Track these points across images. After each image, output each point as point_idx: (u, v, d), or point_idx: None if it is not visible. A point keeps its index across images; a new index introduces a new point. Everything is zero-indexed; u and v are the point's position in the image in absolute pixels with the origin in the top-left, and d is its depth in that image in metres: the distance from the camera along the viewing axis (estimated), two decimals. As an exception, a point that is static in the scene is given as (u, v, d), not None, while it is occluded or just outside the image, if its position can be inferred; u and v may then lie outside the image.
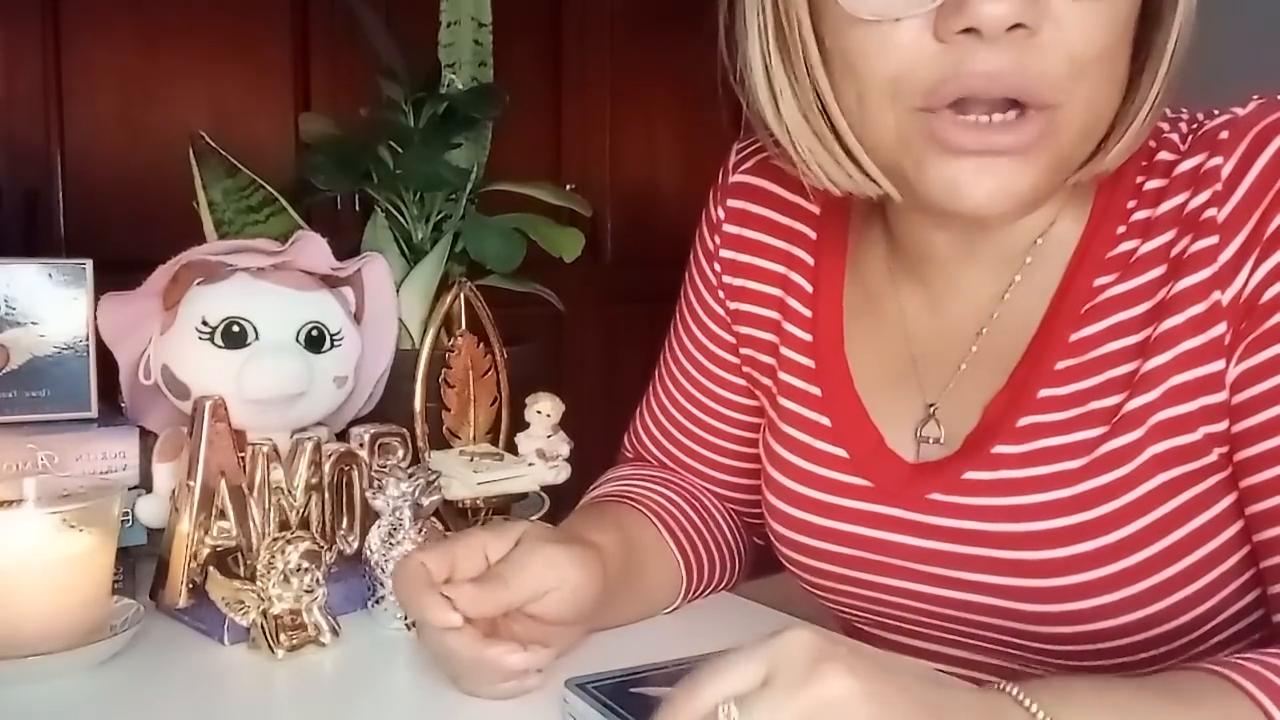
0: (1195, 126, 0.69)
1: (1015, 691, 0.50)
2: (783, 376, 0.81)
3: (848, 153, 0.68)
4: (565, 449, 0.94)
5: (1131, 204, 0.69)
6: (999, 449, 0.69)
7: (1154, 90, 0.65)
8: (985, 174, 0.63)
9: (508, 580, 0.65)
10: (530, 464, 0.93)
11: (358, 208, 1.71)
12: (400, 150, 1.04)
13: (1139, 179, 0.69)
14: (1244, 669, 0.54)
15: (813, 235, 0.82)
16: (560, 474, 0.95)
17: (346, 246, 0.95)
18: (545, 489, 0.96)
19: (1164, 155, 0.69)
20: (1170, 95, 0.65)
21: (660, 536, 0.82)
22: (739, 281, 0.85)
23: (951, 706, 0.48)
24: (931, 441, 0.74)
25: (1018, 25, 0.59)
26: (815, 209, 0.83)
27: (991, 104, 0.62)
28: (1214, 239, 0.64)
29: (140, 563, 0.83)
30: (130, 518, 0.81)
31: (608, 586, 0.71)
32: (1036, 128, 0.62)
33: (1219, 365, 0.64)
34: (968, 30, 0.60)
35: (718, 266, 0.87)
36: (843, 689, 0.45)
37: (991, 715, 0.49)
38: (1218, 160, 0.65)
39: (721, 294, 0.87)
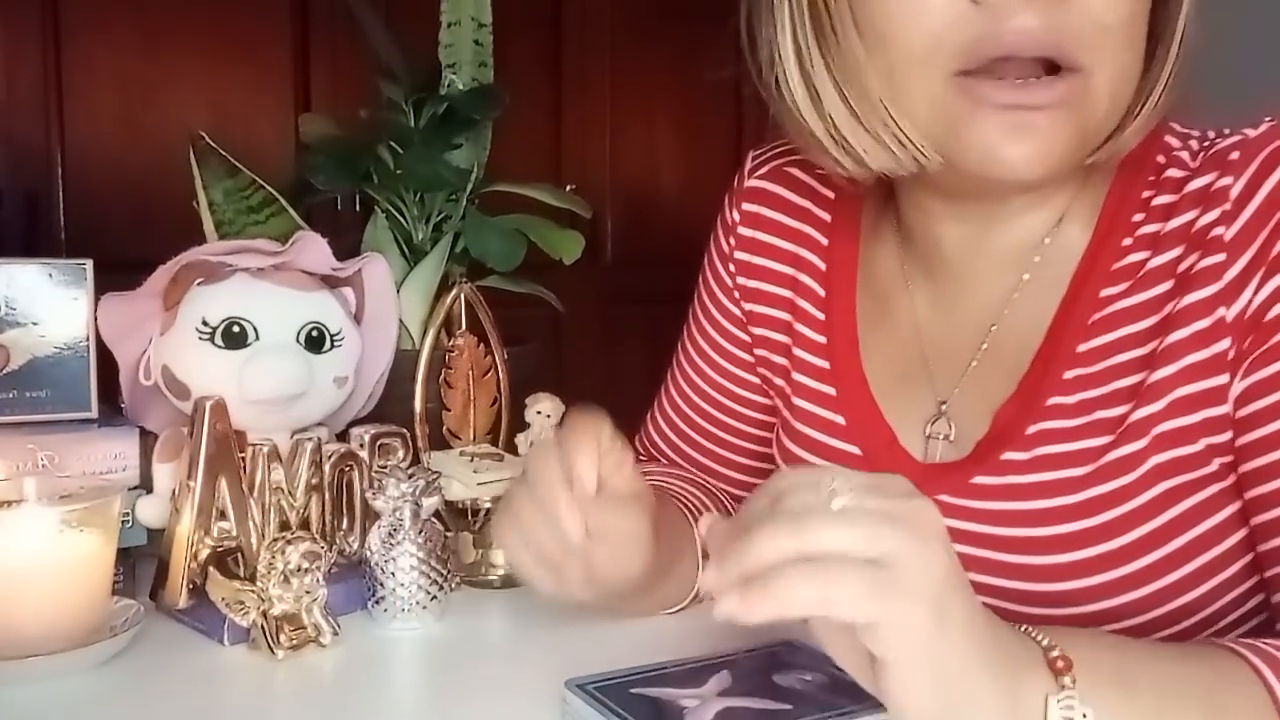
0: (1206, 145, 0.70)
1: (1021, 627, 0.53)
2: (797, 377, 0.83)
3: (885, 126, 0.67)
4: (565, 449, 0.94)
5: (1139, 217, 0.70)
6: (1007, 455, 0.70)
7: (1166, 70, 0.66)
8: (1023, 133, 0.64)
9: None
10: (530, 464, 0.93)
11: (358, 208, 1.72)
12: (400, 150, 1.04)
13: (1146, 194, 0.71)
14: (1247, 644, 0.56)
15: (824, 241, 0.84)
16: (560, 474, 0.95)
17: (346, 247, 0.95)
18: (545, 489, 0.96)
19: (1173, 172, 0.70)
20: (1179, 84, 0.67)
21: (689, 533, 0.82)
22: (753, 283, 0.87)
23: (990, 619, 0.51)
24: (940, 439, 0.75)
25: None
26: (827, 216, 0.84)
27: (1026, 66, 0.63)
28: (1221, 256, 0.65)
29: (140, 563, 0.83)
30: (130, 518, 0.81)
31: (655, 573, 0.71)
32: (1070, 87, 0.63)
33: (1223, 379, 0.65)
34: None
35: (732, 268, 0.88)
36: (932, 513, 0.49)
37: (1020, 641, 0.52)
38: (1228, 180, 0.66)
39: (736, 294, 0.88)
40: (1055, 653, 0.51)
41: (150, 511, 0.81)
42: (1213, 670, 0.55)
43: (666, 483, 0.88)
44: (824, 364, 0.81)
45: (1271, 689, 0.54)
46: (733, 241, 0.88)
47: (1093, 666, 0.51)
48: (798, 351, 0.83)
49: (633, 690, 0.62)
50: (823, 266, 0.83)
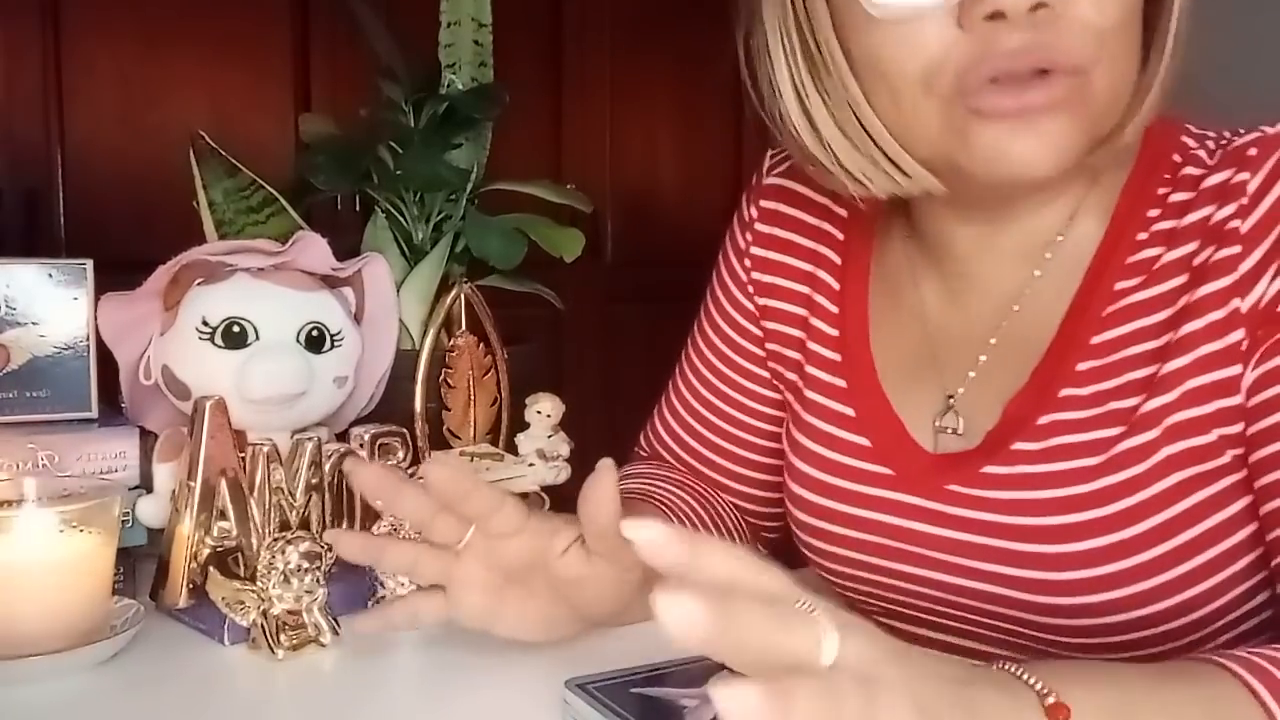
0: (1224, 143, 0.71)
1: (1013, 668, 0.50)
2: (809, 370, 0.84)
3: (887, 156, 0.70)
4: (565, 449, 0.95)
5: (1154, 213, 0.71)
6: (1019, 445, 0.71)
7: (1161, 67, 0.67)
8: (1026, 133, 0.64)
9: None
10: (530, 464, 0.93)
11: (358, 208, 1.71)
12: (400, 150, 1.04)
13: (1162, 190, 0.72)
14: (1238, 658, 0.55)
15: (840, 236, 0.85)
16: (560, 474, 0.95)
17: (346, 246, 0.95)
18: (545, 489, 0.96)
19: (1190, 170, 0.71)
20: (1174, 79, 0.68)
21: None
22: (769, 278, 0.88)
23: (968, 675, 0.48)
24: (949, 432, 0.75)
25: (1040, 5, 0.61)
26: (844, 211, 0.85)
27: (1022, 76, 0.64)
28: (1236, 248, 0.66)
29: (140, 563, 0.83)
30: (130, 518, 0.81)
31: (638, 594, 0.71)
32: (1067, 84, 0.64)
33: (1236, 370, 0.66)
34: (992, 16, 0.62)
35: (748, 263, 0.89)
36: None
37: (1006, 688, 0.49)
38: (1244, 175, 0.67)
39: (751, 289, 0.89)
40: (1051, 700, 0.49)
41: (150, 511, 0.81)
42: (1208, 694, 0.54)
43: (651, 486, 0.88)
44: (836, 356, 0.82)
45: (1269, 708, 0.53)
46: (749, 237, 0.89)
47: (1092, 707, 0.49)
48: (812, 345, 0.84)
49: (633, 690, 0.62)
50: (839, 261, 0.84)
